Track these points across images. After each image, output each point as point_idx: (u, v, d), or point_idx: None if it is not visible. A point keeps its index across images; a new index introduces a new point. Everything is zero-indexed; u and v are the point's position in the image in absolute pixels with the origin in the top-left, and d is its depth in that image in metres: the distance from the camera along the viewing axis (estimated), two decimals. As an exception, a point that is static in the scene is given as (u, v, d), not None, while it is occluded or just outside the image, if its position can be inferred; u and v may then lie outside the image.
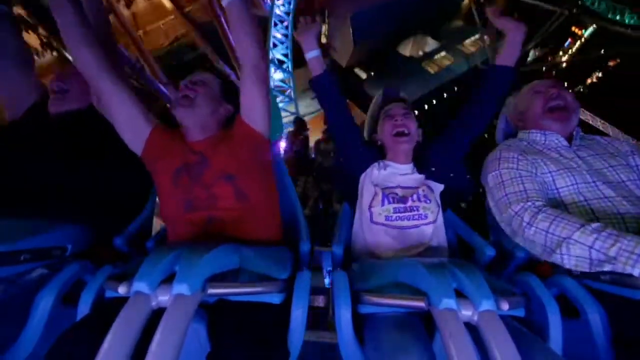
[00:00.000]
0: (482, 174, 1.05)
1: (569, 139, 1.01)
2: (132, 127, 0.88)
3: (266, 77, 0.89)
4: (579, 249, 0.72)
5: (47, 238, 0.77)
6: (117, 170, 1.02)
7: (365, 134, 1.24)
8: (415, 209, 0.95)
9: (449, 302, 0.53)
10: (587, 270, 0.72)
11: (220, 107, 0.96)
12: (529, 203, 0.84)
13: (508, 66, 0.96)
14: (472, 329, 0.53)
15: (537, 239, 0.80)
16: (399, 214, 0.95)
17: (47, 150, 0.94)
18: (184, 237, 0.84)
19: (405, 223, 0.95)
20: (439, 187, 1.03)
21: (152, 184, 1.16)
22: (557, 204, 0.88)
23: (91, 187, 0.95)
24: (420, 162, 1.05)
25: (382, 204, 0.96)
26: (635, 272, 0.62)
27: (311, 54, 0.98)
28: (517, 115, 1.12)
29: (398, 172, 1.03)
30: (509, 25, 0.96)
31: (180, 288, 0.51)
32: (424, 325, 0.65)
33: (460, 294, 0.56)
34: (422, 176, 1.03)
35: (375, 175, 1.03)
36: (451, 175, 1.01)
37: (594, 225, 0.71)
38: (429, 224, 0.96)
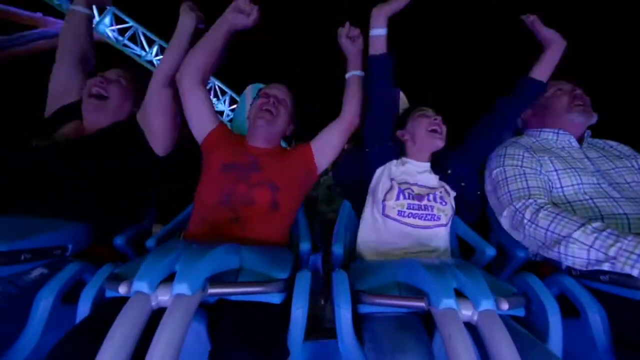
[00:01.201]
0: (486, 170, 1.05)
1: (580, 140, 1.01)
2: (199, 121, 1.02)
3: (352, 133, 1.08)
4: (577, 248, 0.72)
5: (47, 237, 0.77)
6: (119, 170, 1.02)
7: None
8: (429, 208, 0.94)
9: (449, 302, 0.53)
10: (584, 268, 0.72)
11: (289, 126, 1.09)
12: (531, 200, 0.84)
13: (541, 81, 0.96)
14: (472, 329, 0.53)
15: (537, 236, 0.80)
16: (412, 211, 0.94)
17: (49, 150, 0.94)
18: (208, 227, 0.89)
19: (418, 222, 0.93)
20: (453, 193, 1.02)
21: (154, 187, 1.17)
22: (562, 202, 0.88)
23: (92, 186, 0.95)
24: (438, 164, 1.05)
25: (397, 198, 0.94)
26: (635, 273, 0.62)
27: (378, 31, 0.95)
28: (536, 110, 1.08)
29: (416, 169, 1.02)
30: (550, 37, 0.94)
31: (181, 288, 0.51)
32: (423, 325, 0.65)
33: (460, 294, 0.56)
34: (437, 178, 1.02)
35: (394, 171, 1.02)
36: (462, 184, 1.01)
37: (595, 224, 0.72)
38: (441, 226, 0.94)
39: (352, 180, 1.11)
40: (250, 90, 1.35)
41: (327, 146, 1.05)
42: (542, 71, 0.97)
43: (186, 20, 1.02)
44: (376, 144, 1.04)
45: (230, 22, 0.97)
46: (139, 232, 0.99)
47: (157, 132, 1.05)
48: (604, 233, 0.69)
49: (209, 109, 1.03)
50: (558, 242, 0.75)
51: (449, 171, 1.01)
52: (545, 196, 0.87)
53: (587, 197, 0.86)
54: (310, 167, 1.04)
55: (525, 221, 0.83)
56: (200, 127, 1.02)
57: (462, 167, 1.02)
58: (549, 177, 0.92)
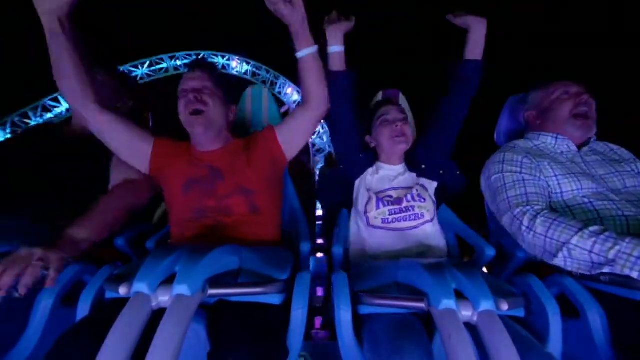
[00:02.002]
0: (483, 175, 1.05)
1: (580, 145, 1.01)
2: (131, 151, 0.88)
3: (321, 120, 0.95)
4: (579, 253, 0.71)
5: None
6: None
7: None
8: (410, 209, 0.96)
9: (449, 303, 0.53)
10: (588, 273, 0.72)
11: (229, 111, 0.95)
12: (528, 207, 0.84)
13: (477, 60, 1.00)
14: (472, 329, 0.53)
15: (537, 243, 0.80)
16: (395, 216, 0.95)
17: (49, 151, 0.94)
18: (190, 238, 0.85)
19: (404, 224, 0.95)
20: (433, 185, 1.04)
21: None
22: (562, 207, 0.88)
23: (92, 187, 0.95)
24: (411, 161, 1.07)
25: (377, 207, 0.96)
26: (634, 275, 0.62)
27: (335, 48, 0.93)
28: (539, 112, 1.06)
29: (391, 173, 1.05)
30: (469, 21, 0.99)
31: (181, 289, 0.51)
32: (424, 326, 0.65)
33: (460, 295, 0.56)
34: (414, 175, 1.05)
35: (369, 181, 1.04)
36: (441, 172, 1.04)
37: (592, 228, 0.71)
38: (427, 222, 0.96)
39: (338, 198, 1.11)
40: (250, 93, 1.33)
41: (294, 135, 0.94)
42: (473, 51, 1.00)
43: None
44: (349, 159, 1.05)
45: (47, 9, 0.72)
46: (140, 233, 0.99)
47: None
48: (602, 236, 0.69)
49: (132, 133, 0.87)
50: (559, 249, 0.75)
51: (423, 166, 1.04)
52: (543, 202, 0.87)
53: (586, 200, 0.86)
54: (277, 156, 0.93)
55: (524, 228, 0.82)
56: (136, 156, 0.89)
57: (434, 158, 1.05)
58: (549, 182, 0.91)
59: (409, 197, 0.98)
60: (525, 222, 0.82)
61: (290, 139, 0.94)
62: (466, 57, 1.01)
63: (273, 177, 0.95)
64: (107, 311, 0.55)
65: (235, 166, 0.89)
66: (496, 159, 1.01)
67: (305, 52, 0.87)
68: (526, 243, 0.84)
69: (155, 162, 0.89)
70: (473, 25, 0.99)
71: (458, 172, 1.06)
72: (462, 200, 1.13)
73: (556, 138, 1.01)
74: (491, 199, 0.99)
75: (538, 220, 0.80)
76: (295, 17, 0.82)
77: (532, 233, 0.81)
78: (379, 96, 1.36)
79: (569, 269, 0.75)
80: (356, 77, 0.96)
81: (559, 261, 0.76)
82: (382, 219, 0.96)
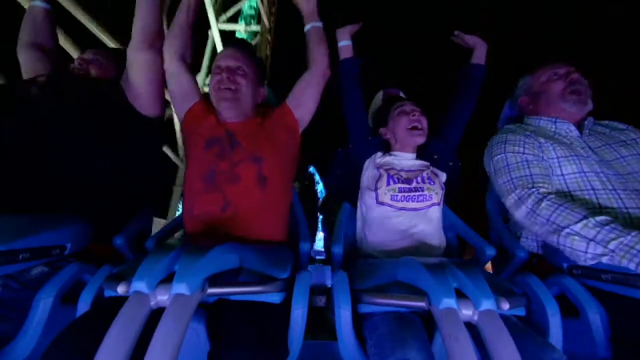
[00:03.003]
0: (486, 157, 1.04)
1: (579, 127, 0.98)
2: (181, 95, 1.00)
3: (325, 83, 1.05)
4: (578, 240, 0.71)
5: (46, 237, 0.76)
6: (118, 169, 1.01)
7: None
8: (420, 189, 0.98)
9: (449, 302, 0.53)
10: (580, 261, 0.71)
11: (258, 92, 1.03)
12: (534, 189, 0.83)
13: (482, 64, 1.19)
14: (473, 329, 0.53)
15: (536, 224, 0.80)
16: (404, 194, 0.97)
17: (48, 145, 0.93)
18: (199, 221, 0.86)
19: (411, 204, 0.96)
20: (443, 175, 1.07)
21: (154, 185, 1.16)
22: (562, 190, 0.87)
23: (92, 185, 0.94)
24: (423, 152, 1.10)
25: (388, 184, 0.99)
26: (632, 266, 0.62)
27: (343, 42, 1.14)
28: (531, 96, 1.06)
29: (402, 158, 1.07)
30: (473, 41, 1.21)
31: (180, 288, 0.51)
32: (424, 325, 0.65)
33: (460, 294, 0.56)
34: (426, 162, 1.07)
35: (380, 160, 1.07)
36: (450, 164, 1.09)
37: (599, 218, 0.70)
38: (435, 205, 0.98)
39: (344, 182, 1.15)
40: None
41: (303, 97, 1.02)
42: (478, 58, 1.19)
43: None
44: (358, 137, 1.11)
45: None
46: (139, 231, 0.99)
47: (142, 94, 1.01)
48: (607, 227, 0.68)
49: (191, 84, 1.00)
50: (557, 232, 0.74)
51: (435, 156, 1.09)
52: (548, 184, 0.85)
53: (589, 187, 0.84)
54: (290, 125, 1.01)
55: (527, 210, 0.81)
56: (183, 100, 1.00)
57: (445, 151, 1.11)
58: (550, 164, 0.90)
59: (419, 179, 1.00)
60: (529, 204, 0.82)
61: (299, 103, 1.02)
62: (472, 62, 1.19)
63: (286, 149, 0.99)
64: (106, 308, 0.55)
65: (251, 137, 0.94)
66: (498, 139, 1.00)
67: (311, 25, 1.05)
68: (523, 221, 0.84)
69: (188, 116, 1.00)
70: (477, 44, 1.19)
71: (459, 165, 1.12)
72: (463, 199, 1.15)
73: (555, 122, 0.99)
74: (494, 179, 0.98)
75: (543, 204, 0.79)
76: (307, 4, 1.06)
77: (534, 215, 0.80)
78: (380, 95, 1.36)
79: (561, 248, 0.75)
80: (362, 63, 1.13)
81: (552, 241, 0.76)
82: (391, 195, 0.97)
